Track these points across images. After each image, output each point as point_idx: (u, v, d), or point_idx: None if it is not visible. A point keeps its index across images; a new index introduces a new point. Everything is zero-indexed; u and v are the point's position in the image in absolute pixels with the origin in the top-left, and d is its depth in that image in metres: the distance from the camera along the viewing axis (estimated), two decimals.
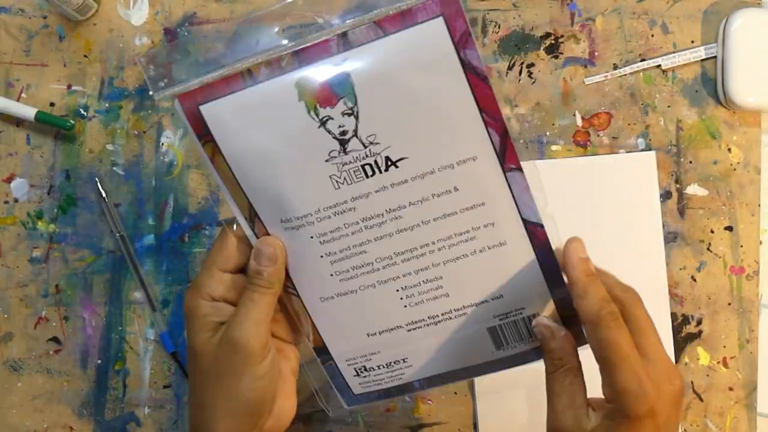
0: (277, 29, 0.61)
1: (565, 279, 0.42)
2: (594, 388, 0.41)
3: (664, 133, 0.59)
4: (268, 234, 0.42)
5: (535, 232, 0.42)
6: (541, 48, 0.59)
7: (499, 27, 0.59)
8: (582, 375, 0.42)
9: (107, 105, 0.60)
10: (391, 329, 0.44)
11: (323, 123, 0.40)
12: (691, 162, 0.58)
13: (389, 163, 0.40)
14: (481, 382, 0.57)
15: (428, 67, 0.38)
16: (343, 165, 0.40)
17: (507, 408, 0.57)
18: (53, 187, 0.60)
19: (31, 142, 0.60)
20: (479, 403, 0.57)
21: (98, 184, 0.59)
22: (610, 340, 0.39)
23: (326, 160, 0.40)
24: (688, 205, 0.58)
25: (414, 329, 0.44)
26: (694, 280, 0.58)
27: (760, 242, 0.58)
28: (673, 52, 0.59)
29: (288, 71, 0.40)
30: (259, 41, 0.60)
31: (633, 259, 0.57)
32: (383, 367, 0.45)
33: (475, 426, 0.58)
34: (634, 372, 0.38)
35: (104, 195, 0.58)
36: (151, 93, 0.42)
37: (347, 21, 0.40)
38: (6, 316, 0.59)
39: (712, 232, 0.58)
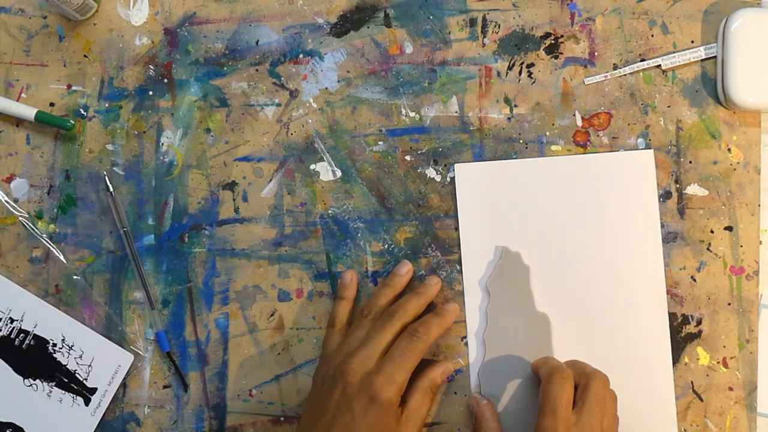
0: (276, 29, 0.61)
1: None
2: None
3: (664, 133, 0.59)
4: None
5: None
6: (541, 48, 0.59)
7: (499, 27, 0.59)
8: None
9: (107, 105, 0.60)
10: None
11: None
12: (691, 162, 0.58)
13: None
14: (478, 382, 0.57)
15: None
16: None
17: (506, 408, 0.57)
18: (53, 187, 0.60)
19: (31, 142, 0.60)
20: None
21: (106, 179, 0.59)
22: (548, 391, 0.51)
23: None
24: (688, 205, 0.58)
25: None
26: (694, 280, 0.58)
27: (760, 242, 0.58)
28: (673, 52, 0.59)
29: None
30: (259, 41, 0.60)
31: (631, 258, 0.57)
32: None
33: None
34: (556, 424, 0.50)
35: (111, 189, 0.58)
36: None
37: None
38: None
39: (712, 232, 0.58)
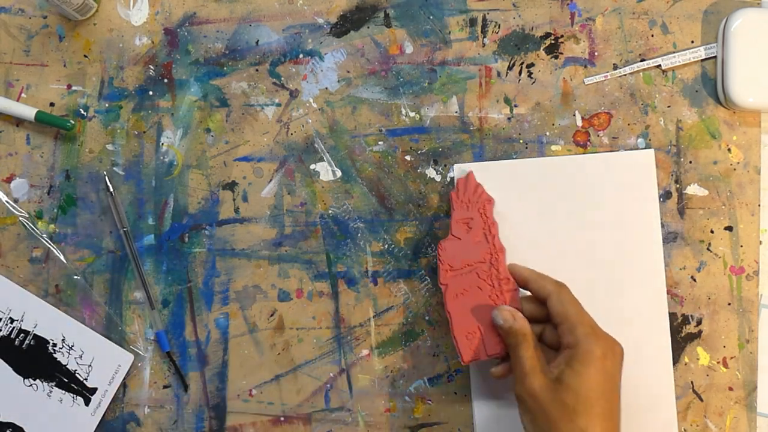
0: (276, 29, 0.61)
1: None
2: None
3: (664, 133, 0.59)
4: None
5: None
6: (541, 48, 0.59)
7: (499, 27, 0.59)
8: (538, 344, 0.51)
9: (107, 105, 0.60)
10: None
11: None
12: (691, 162, 0.58)
13: None
14: (477, 382, 0.57)
15: None
16: None
17: (504, 408, 0.57)
18: (53, 187, 0.60)
19: (31, 142, 0.60)
20: (475, 403, 0.57)
21: (106, 179, 0.59)
22: (571, 300, 0.50)
23: None
24: (688, 205, 0.58)
25: None
26: (694, 280, 0.58)
27: (760, 242, 0.58)
28: (673, 52, 0.59)
29: None
30: (259, 41, 0.60)
31: (631, 258, 0.57)
32: None
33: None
34: (591, 323, 0.49)
35: (111, 189, 0.59)
36: None
37: None
38: None
39: (712, 232, 0.58)
